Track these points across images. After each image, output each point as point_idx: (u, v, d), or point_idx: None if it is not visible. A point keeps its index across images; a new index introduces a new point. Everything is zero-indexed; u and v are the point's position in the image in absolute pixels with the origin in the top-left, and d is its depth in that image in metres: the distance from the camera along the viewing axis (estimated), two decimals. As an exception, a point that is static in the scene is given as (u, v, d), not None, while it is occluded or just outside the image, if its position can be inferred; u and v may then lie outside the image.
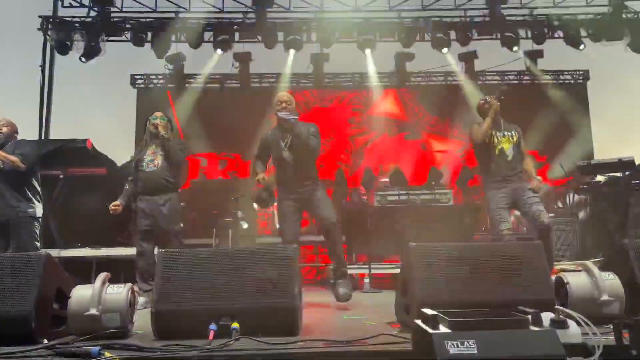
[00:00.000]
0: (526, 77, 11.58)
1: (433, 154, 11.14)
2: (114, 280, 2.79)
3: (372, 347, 2.24)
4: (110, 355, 2.11)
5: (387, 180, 7.54)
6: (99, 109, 9.76)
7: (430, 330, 1.62)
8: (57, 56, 9.24)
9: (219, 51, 9.53)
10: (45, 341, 2.46)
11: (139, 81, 11.25)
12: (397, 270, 5.50)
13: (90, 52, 9.03)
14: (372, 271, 6.31)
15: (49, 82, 9.18)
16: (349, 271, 6.62)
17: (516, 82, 11.63)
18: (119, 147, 8.70)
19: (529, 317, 1.69)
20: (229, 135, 10.53)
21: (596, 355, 1.65)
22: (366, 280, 6.16)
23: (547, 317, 1.73)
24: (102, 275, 2.69)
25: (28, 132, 7.96)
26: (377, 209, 6.91)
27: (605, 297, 2.70)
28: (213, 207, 7.55)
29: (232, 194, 7.49)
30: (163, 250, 2.71)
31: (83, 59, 8.94)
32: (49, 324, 2.62)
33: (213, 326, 2.49)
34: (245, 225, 7.52)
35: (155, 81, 11.26)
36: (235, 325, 2.50)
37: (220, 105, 10.78)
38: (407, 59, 11.06)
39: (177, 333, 2.52)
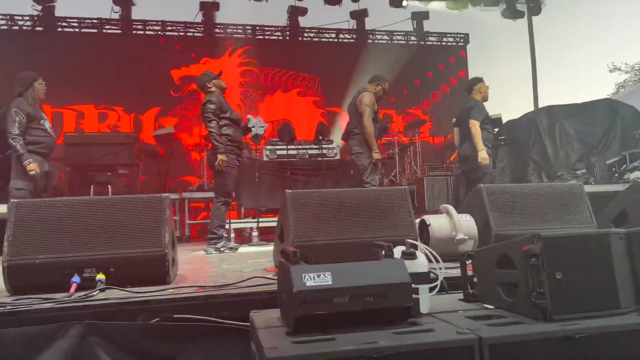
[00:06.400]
0: (412, 38, 12.04)
1: (323, 110, 11.29)
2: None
3: (240, 290, 2.26)
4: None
5: (277, 135, 7.54)
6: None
7: (289, 264, 1.66)
8: None
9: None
10: None
11: (1, 22, 9.95)
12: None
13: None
14: (261, 224, 6.36)
15: None
16: (238, 225, 6.66)
17: (403, 42, 12.05)
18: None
19: (382, 250, 1.80)
20: (109, 86, 9.76)
21: (438, 281, 1.81)
22: (254, 234, 6.20)
23: (399, 250, 1.86)
24: (-58, 229, 2.41)
25: None
26: (266, 163, 6.91)
27: (460, 236, 2.96)
28: (91, 162, 7.05)
29: (113, 147, 7.07)
30: (15, 201, 2.47)
31: None
32: None
33: (76, 279, 2.35)
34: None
35: (20, 22, 10.03)
36: (101, 276, 2.39)
37: (98, 54, 9.91)
38: (300, 13, 11.00)
39: (36, 288, 2.34)
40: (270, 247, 5.47)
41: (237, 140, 5.04)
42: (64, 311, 2.06)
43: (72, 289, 2.29)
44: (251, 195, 6.54)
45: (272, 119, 10.00)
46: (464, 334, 1.52)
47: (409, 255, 1.79)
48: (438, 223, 3.01)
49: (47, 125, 4.69)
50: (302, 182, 6.59)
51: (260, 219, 6.48)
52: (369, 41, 11.81)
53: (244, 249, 5.24)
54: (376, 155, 5.15)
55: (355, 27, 11.62)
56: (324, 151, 6.98)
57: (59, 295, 2.19)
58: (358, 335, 1.56)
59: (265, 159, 7.10)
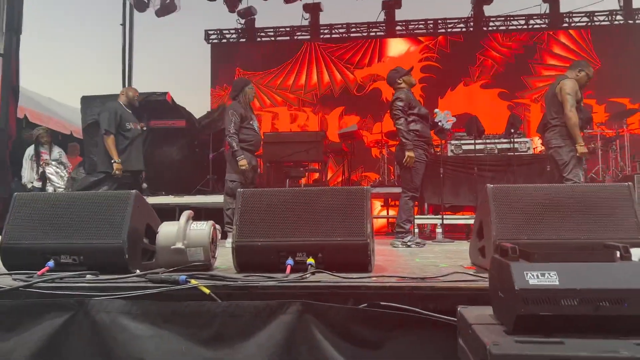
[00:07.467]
0: (619, 17, 10.57)
1: (510, 102, 10.61)
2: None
3: (446, 284, 2.24)
4: (197, 283, 2.26)
5: (463, 129, 7.30)
6: (175, 64, 10.14)
7: (508, 262, 1.59)
8: (136, 14, 9.63)
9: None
10: (138, 271, 2.67)
11: (212, 36, 11.47)
12: (471, 221, 5.40)
13: (165, 9, 9.32)
14: (445, 222, 6.23)
15: (130, 40, 9.60)
16: (421, 221, 6.63)
17: (607, 23, 10.65)
18: (195, 100, 9.08)
19: (617, 251, 1.61)
20: (309, 88, 10.64)
21: (692, 291, 1.54)
22: (438, 231, 6.11)
23: (637, 253, 1.64)
24: (187, 213, 2.86)
25: (113, 87, 8.45)
26: (451, 159, 6.75)
27: (703, 243, 2.50)
28: (285, 158, 7.70)
29: (304, 145, 7.61)
30: (242, 190, 2.83)
31: (157, 15, 9.25)
32: (139, 256, 2.84)
33: (290, 261, 2.59)
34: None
35: (227, 36, 11.44)
36: (311, 260, 2.59)
37: (290, 58, 10.82)
38: (485, 2, 10.51)
39: (256, 267, 2.65)
40: (454, 245, 5.34)
41: (425, 135, 5.02)
42: (283, 289, 2.28)
43: (288, 271, 2.52)
44: (435, 191, 6.45)
45: (455, 113, 9.73)
46: None
47: (652, 259, 1.57)
48: (672, 226, 2.58)
49: (256, 125, 5.25)
50: (490, 179, 6.25)
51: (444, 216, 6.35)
52: (564, 25, 10.72)
53: (430, 245, 5.20)
54: (581, 149, 4.63)
55: (547, 12, 10.67)
56: (516, 145, 6.53)
57: (278, 275, 2.43)
58: (590, 342, 1.42)
59: (450, 154, 6.93)
